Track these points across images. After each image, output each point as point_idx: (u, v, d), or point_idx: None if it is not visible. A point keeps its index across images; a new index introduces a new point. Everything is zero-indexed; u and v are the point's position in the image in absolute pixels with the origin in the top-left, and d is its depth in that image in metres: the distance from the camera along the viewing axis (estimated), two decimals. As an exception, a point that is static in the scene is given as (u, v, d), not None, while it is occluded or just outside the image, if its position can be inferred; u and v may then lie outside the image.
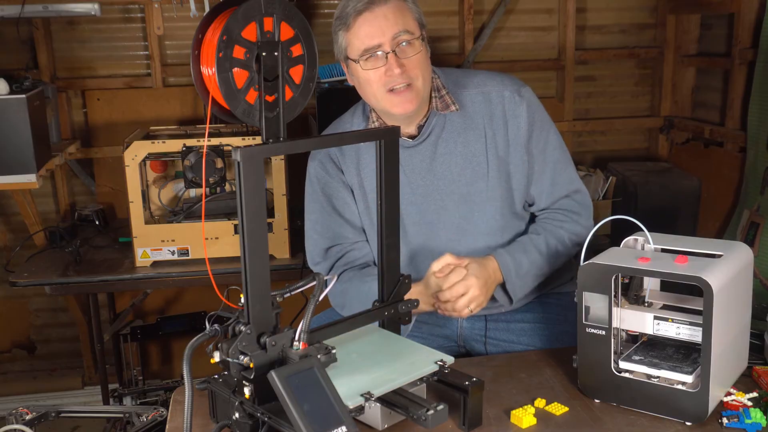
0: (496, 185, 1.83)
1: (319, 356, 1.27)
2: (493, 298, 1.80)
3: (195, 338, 1.24)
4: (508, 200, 1.85)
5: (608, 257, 1.44)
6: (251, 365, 1.22)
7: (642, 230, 1.49)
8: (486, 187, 1.83)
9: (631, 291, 1.52)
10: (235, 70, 1.23)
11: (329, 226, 1.91)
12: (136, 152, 2.54)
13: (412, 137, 1.84)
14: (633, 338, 1.53)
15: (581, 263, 1.43)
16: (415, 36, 1.72)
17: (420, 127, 1.83)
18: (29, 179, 2.67)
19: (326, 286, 1.32)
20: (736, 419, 1.35)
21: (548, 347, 1.79)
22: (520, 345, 1.86)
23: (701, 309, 1.33)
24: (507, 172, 1.84)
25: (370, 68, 1.73)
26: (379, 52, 1.71)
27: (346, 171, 1.89)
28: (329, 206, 1.91)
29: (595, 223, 1.58)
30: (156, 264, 2.62)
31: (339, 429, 1.13)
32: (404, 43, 1.71)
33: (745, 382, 1.49)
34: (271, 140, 1.28)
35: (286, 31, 1.29)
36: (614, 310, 1.42)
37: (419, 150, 1.83)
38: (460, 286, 1.66)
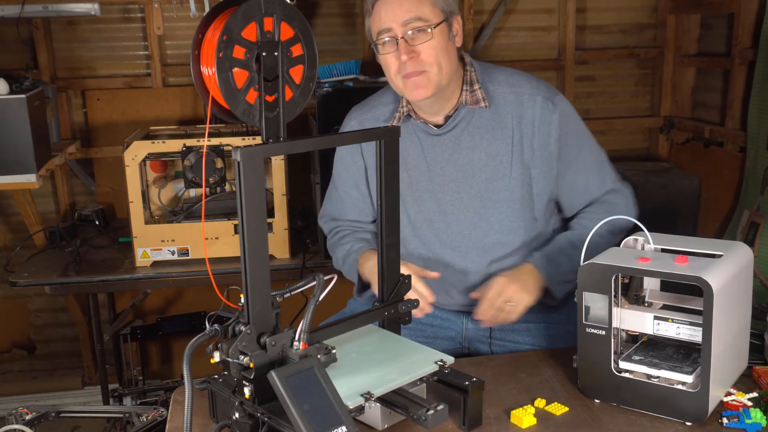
0: (517, 187, 1.82)
1: (319, 356, 1.27)
2: None
3: (195, 338, 1.24)
4: (528, 204, 1.84)
5: (608, 257, 1.44)
6: (251, 365, 1.22)
7: (642, 230, 1.49)
8: (506, 187, 1.82)
9: (631, 291, 1.52)
10: (235, 70, 1.23)
11: (344, 197, 2.00)
12: (136, 152, 2.54)
13: (438, 126, 1.84)
14: (633, 338, 1.53)
15: (581, 263, 1.43)
16: (429, 23, 1.71)
17: (447, 118, 1.84)
18: (29, 179, 2.67)
19: (326, 287, 1.31)
20: (736, 419, 1.35)
21: (553, 347, 1.79)
22: (525, 345, 1.86)
23: (701, 309, 1.33)
24: (529, 176, 1.83)
25: (384, 53, 1.76)
26: (390, 38, 1.73)
27: (365, 152, 1.93)
28: (350, 180, 1.98)
29: (596, 223, 1.58)
30: (156, 264, 2.62)
31: (339, 429, 1.13)
32: (417, 30, 1.71)
33: (745, 382, 1.49)
34: (271, 140, 1.28)
35: (286, 31, 1.29)
36: (614, 310, 1.42)
37: (442, 140, 1.84)
38: (502, 298, 1.72)
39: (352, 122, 1.96)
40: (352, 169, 1.96)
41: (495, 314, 1.74)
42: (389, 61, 1.76)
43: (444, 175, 1.85)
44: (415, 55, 1.72)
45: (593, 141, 1.91)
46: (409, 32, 1.72)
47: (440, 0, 1.75)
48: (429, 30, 1.71)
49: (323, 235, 2.46)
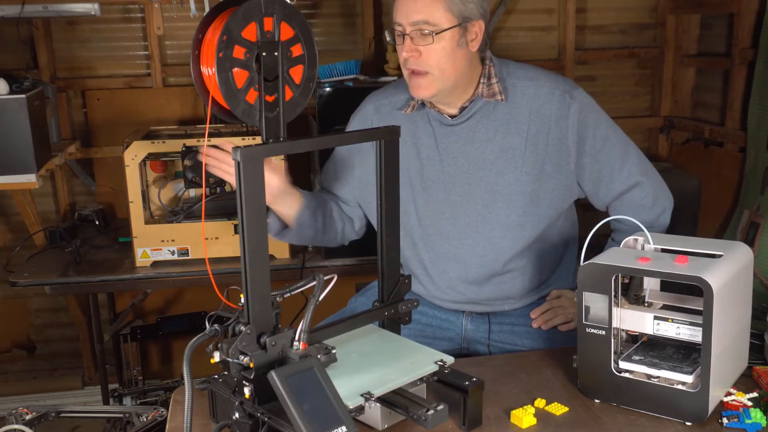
0: (528, 182, 1.81)
1: (319, 356, 1.27)
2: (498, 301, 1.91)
3: (195, 338, 1.24)
4: (537, 199, 1.82)
5: (608, 257, 1.44)
6: (251, 365, 1.22)
7: (642, 230, 1.49)
8: (515, 181, 1.81)
9: (631, 291, 1.52)
10: (235, 70, 1.24)
11: (338, 173, 1.98)
12: (136, 152, 2.54)
13: (453, 116, 1.84)
14: (633, 338, 1.53)
15: (581, 263, 1.43)
16: (436, 28, 1.71)
17: (462, 109, 1.84)
18: (29, 179, 2.67)
19: (326, 287, 1.31)
20: (736, 419, 1.35)
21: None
22: (524, 348, 1.86)
23: (701, 309, 1.33)
24: (542, 171, 1.82)
25: (397, 44, 1.78)
26: (399, 33, 1.75)
27: None
28: (350, 156, 1.96)
29: (596, 223, 1.58)
30: (156, 264, 2.62)
31: (339, 429, 1.13)
32: (421, 32, 1.72)
33: (745, 382, 1.49)
34: (271, 140, 1.29)
35: (286, 31, 1.29)
36: (614, 310, 1.42)
37: (455, 130, 1.84)
38: (559, 318, 1.89)
39: (369, 107, 1.95)
40: (357, 147, 1.93)
41: (551, 314, 1.87)
42: (399, 51, 1.78)
43: (456, 165, 1.84)
44: (417, 54, 1.73)
45: (618, 132, 1.89)
46: (423, 32, 1.72)
47: (457, 5, 1.72)
48: (432, 35, 1.71)
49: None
